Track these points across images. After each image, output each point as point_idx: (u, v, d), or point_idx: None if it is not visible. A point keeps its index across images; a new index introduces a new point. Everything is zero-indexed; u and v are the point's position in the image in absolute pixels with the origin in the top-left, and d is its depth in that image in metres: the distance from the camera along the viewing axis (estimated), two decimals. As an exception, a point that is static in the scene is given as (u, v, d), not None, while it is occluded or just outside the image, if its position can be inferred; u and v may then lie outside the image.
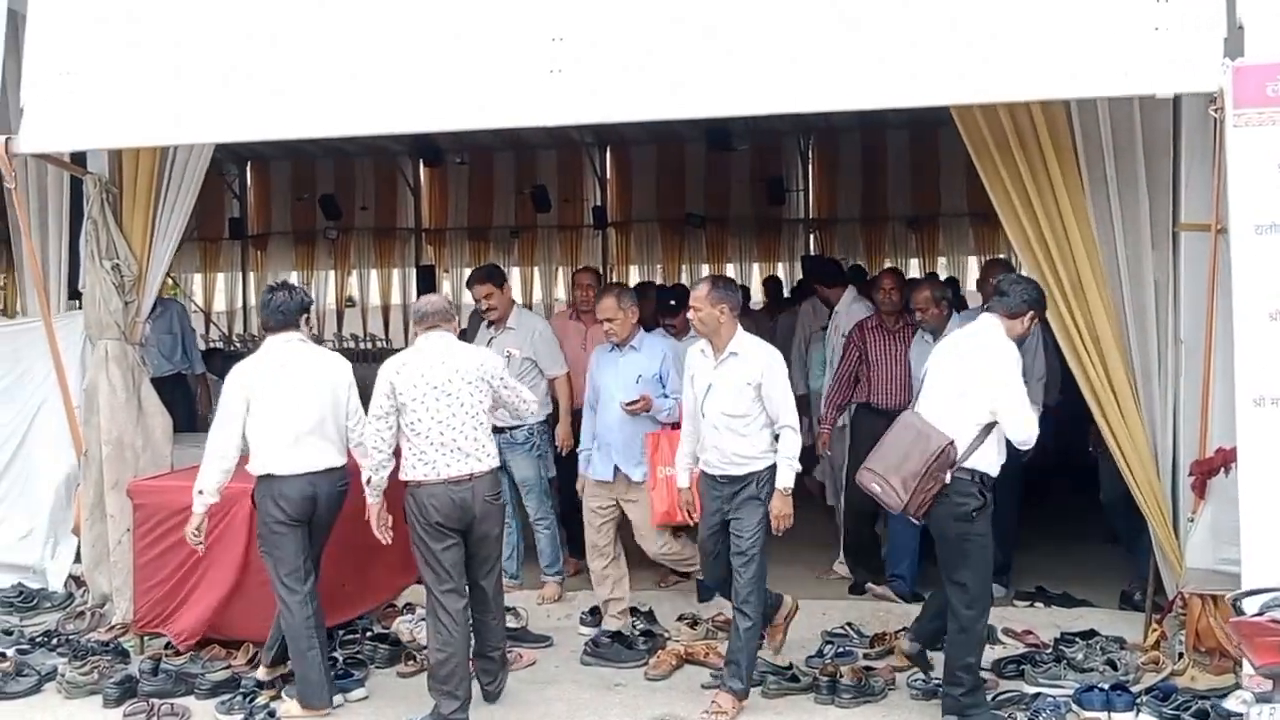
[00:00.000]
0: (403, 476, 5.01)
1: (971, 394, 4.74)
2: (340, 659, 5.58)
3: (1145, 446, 5.35)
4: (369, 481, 5.07)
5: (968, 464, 4.72)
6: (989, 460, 4.77)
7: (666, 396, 5.82)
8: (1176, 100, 5.04)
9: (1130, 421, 5.34)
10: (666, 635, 5.93)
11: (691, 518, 5.46)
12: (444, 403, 4.94)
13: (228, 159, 14.88)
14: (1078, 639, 5.48)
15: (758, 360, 5.03)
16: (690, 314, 5.17)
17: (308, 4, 5.49)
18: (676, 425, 5.65)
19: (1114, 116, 5.24)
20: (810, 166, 15.59)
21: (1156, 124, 5.24)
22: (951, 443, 4.67)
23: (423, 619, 5.56)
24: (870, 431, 5.85)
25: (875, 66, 4.92)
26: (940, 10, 4.86)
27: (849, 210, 15.62)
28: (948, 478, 4.67)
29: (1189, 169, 5.16)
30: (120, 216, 6.21)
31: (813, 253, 15.48)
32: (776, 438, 5.06)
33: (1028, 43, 4.73)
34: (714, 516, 5.14)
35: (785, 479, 5.02)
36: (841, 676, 5.19)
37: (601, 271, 15.65)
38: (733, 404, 5.00)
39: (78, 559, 6.55)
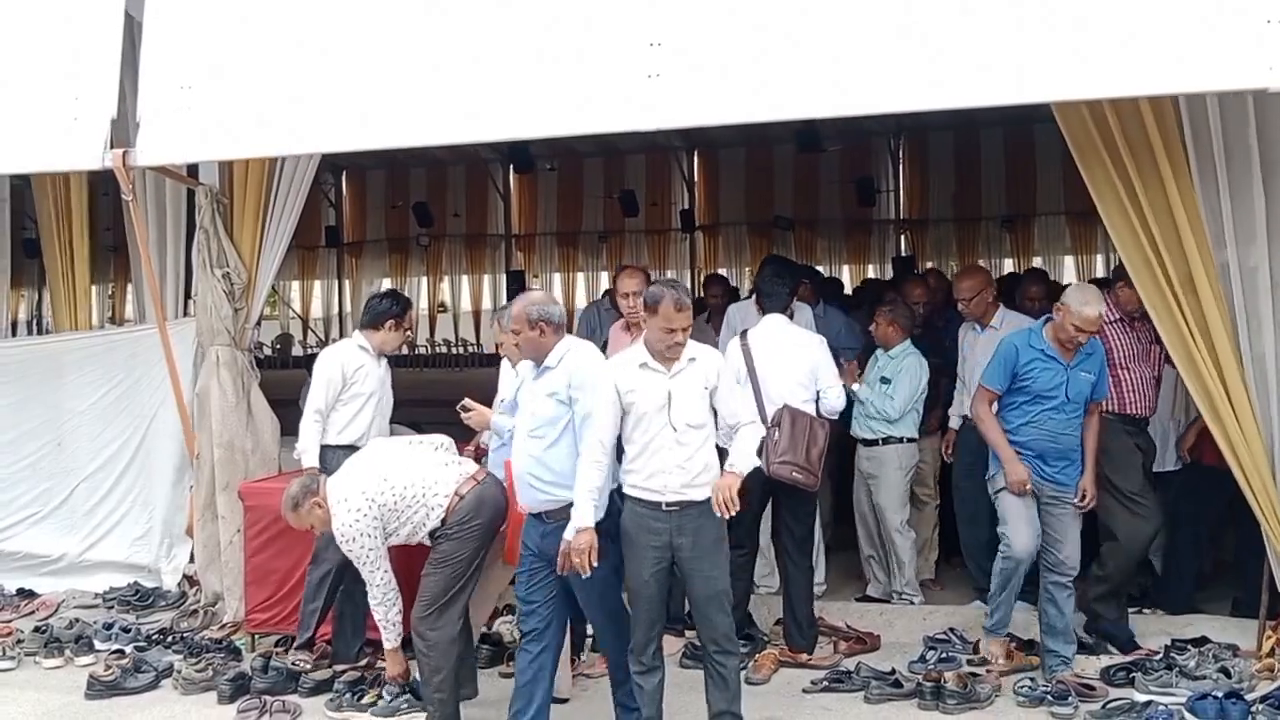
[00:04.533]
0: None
1: None
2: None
3: (1261, 449, 5.18)
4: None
5: None
6: None
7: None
8: (1290, 95, 4.89)
9: (1245, 424, 5.18)
10: (766, 638, 5.91)
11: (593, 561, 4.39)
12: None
13: (324, 168, 15.25)
14: (1189, 646, 5.35)
15: (712, 362, 4.54)
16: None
17: (415, 17, 5.57)
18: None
19: (1224, 112, 5.08)
20: (901, 166, 15.45)
21: (1269, 119, 5.07)
22: None
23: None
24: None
25: (977, 65, 4.80)
26: (1048, 4, 4.77)
27: (941, 210, 15.44)
28: None
29: (1304, 164, 5.02)
30: (230, 226, 6.39)
31: (904, 254, 15.34)
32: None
33: (1136, 38, 4.60)
34: (662, 551, 4.43)
35: (744, 465, 4.42)
36: (946, 682, 5.13)
37: (691, 276, 15.74)
38: (696, 413, 4.44)
39: (191, 559, 6.74)
